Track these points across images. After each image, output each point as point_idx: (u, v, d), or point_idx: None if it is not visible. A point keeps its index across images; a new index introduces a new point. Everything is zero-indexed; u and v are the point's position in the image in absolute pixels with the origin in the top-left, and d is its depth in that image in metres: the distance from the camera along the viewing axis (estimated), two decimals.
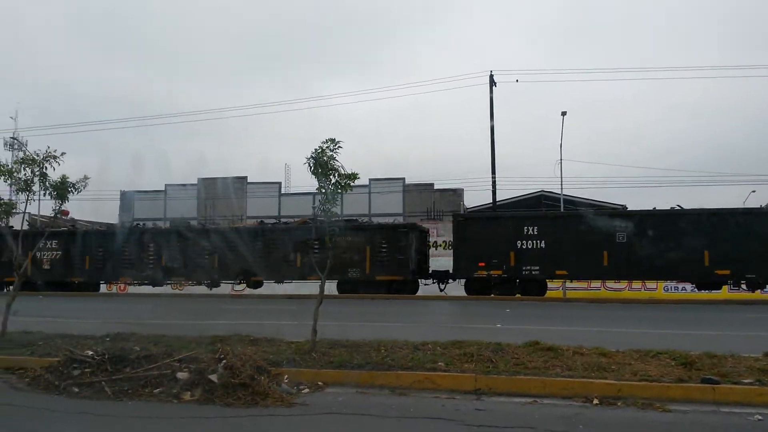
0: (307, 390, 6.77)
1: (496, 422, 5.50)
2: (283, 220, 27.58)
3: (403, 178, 34.68)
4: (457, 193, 33.25)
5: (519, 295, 20.13)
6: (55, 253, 24.20)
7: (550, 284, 21.45)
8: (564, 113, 28.76)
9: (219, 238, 22.20)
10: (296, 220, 24.96)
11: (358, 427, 5.52)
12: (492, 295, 20.27)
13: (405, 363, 7.40)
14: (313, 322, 8.34)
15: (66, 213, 21.71)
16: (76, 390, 6.67)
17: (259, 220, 25.92)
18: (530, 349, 7.89)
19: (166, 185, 37.12)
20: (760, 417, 5.53)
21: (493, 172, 26.13)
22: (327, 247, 8.93)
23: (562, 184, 28.75)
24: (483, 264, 20.22)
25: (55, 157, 10.64)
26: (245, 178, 36.44)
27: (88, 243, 24.05)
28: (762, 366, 6.85)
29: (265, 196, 35.55)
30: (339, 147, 8.41)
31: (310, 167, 8.48)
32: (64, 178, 11.05)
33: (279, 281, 22.58)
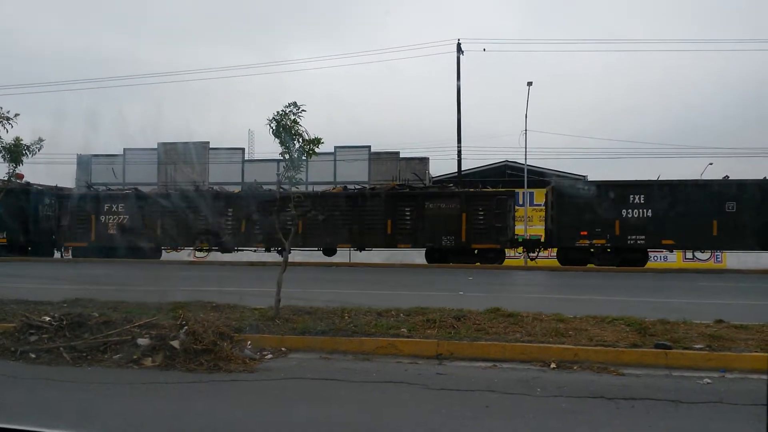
0: (270, 356, 6.78)
1: (457, 386, 5.62)
2: (368, 184, 26.28)
3: (369, 146, 34.46)
4: (423, 162, 33.27)
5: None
6: (121, 217, 22.99)
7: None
8: (530, 83, 28.83)
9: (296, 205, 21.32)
10: (384, 184, 24.00)
11: (322, 392, 5.56)
12: (589, 265, 20.19)
13: (368, 329, 7.46)
14: (276, 288, 8.31)
15: (20, 176, 20.92)
16: (33, 356, 6.54)
17: (342, 185, 24.84)
18: (491, 315, 8.05)
19: (124, 149, 36.11)
20: (708, 380, 5.78)
21: (459, 141, 26.24)
22: (294, 214, 8.84)
23: (526, 154, 29.02)
24: (585, 233, 19.97)
25: (8, 119, 10.24)
26: (207, 143, 35.69)
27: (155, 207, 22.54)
28: (712, 332, 7.14)
29: (228, 162, 34.94)
30: (303, 111, 8.27)
31: (272, 129, 8.32)
32: (17, 140, 10.67)
33: (362, 249, 21.76)
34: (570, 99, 65.28)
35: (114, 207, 22.89)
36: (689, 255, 22.39)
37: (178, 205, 21.97)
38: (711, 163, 29.74)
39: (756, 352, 6.42)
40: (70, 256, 24.38)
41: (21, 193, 23.38)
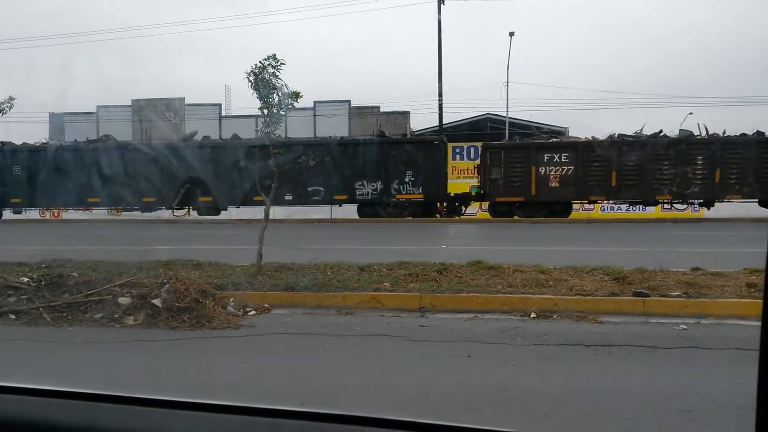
0: (253, 312, 6.79)
1: (439, 337, 5.69)
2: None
3: (349, 101, 33.99)
4: (404, 116, 32.96)
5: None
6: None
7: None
8: (512, 34, 28.49)
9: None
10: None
11: (305, 346, 5.60)
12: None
13: (351, 284, 7.49)
14: (258, 245, 8.28)
15: None
16: (13, 317, 6.48)
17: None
18: (473, 268, 8.12)
19: (97, 106, 35.21)
20: (684, 326, 5.92)
21: (440, 94, 25.92)
22: (272, 170, 8.74)
23: (507, 107, 28.92)
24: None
25: None
26: (183, 99, 34.92)
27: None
28: (688, 280, 7.29)
29: (204, 118, 34.30)
30: (282, 64, 8.09)
31: (250, 83, 8.14)
32: None
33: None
34: (554, 49, 64.66)
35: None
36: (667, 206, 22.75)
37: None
38: (691, 113, 29.88)
39: (731, 298, 6.57)
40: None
41: None
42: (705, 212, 21.31)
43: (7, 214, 23.99)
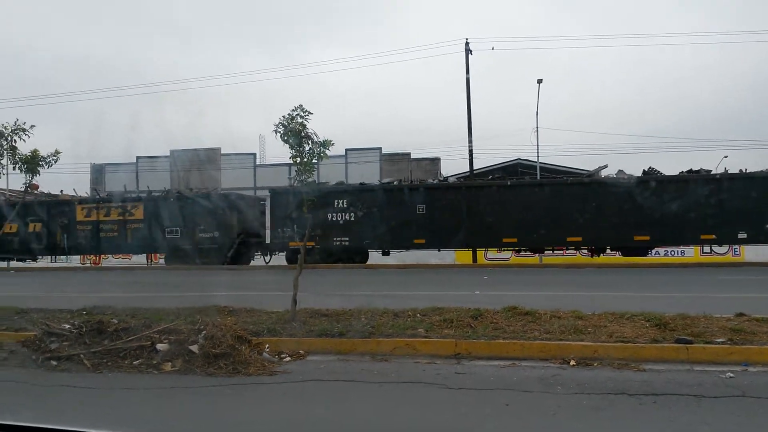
0: (288, 358, 6.80)
1: (475, 385, 5.60)
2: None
3: (380, 148, 34.58)
4: (434, 162, 33.27)
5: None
6: None
7: None
8: (540, 81, 28.75)
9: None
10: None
11: (341, 393, 5.57)
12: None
13: (386, 330, 7.46)
14: (293, 291, 8.33)
15: (36, 186, 21.14)
16: (54, 363, 6.59)
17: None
18: (509, 314, 8.01)
19: (137, 157, 36.43)
20: (731, 374, 5.71)
21: (470, 140, 26.16)
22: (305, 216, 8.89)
23: (538, 152, 28.98)
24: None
25: (24, 130, 10.38)
26: (219, 149, 35.91)
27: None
28: (733, 326, 7.05)
29: (239, 168, 35.14)
30: (309, 114, 8.30)
31: (280, 134, 8.33)
32: (35, 152, 10.82)
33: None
34: (583, 96, 64.84)
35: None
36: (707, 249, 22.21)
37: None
38: (726, 156, 29.37)
39: None
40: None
41: None
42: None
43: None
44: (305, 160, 8.57)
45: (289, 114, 8.32)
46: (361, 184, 23.19)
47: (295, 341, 7.25)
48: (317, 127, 8.46)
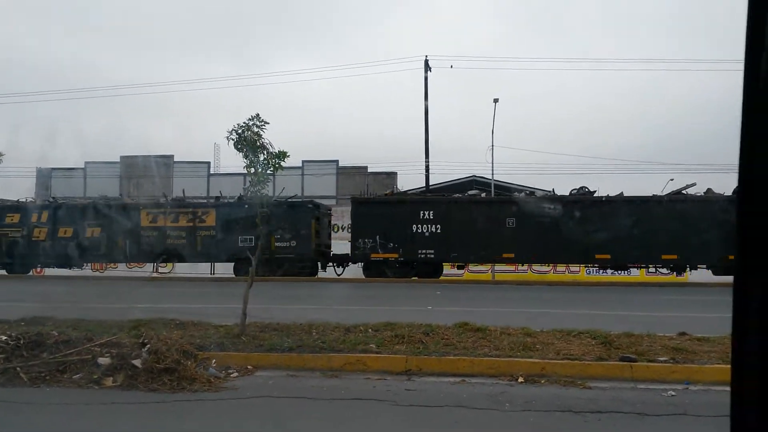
0: (236, 374, 6.64)
1: (426, 401, 5.59)
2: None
3: (337, 161, 34.47)
4: (390, 177, 33.38)
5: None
6: None
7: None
8: (496, 100, 29.24)
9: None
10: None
11: (289, 410, 5.47)
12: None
13: (337, 345, 7.38)
14: (243, 304, 8.17)
15: None
16: None
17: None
18: (460, 330, 8.05)
19: (85, 162, 35.32)
20: (673, 393, 5.87)
21: (427, 156, 26.44)
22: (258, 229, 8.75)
23: (493, 170, 29.37)
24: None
25: None
26: (171, 156, 35.16)
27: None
28: (676, 345, 7.26)
29: (192, 176, 34.45)
30: (266, 124, 8.19)
31: (233, 142, 8.18)
32: None
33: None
34: (540, 115, 66.21)
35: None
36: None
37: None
38: (672, 179, 30.45)
39: (718, 363, 6.54)
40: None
41: None
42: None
43: None
44: (260, 170, 8.46)
45: (244, 123, 8.18)
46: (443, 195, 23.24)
47: (243, 356, 7.10)
48: (273, 136, 8.32)
